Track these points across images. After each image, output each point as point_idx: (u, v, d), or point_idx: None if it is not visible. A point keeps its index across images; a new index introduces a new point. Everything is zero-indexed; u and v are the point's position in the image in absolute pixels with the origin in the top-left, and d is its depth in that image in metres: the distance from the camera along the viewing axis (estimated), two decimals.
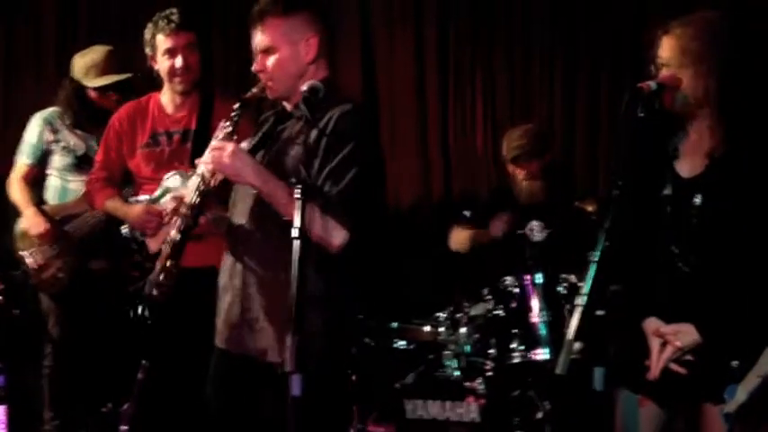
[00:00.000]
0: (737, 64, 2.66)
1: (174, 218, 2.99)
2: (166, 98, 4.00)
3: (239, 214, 2.95)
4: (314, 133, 2.77)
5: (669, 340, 2.67)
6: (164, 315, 3.82)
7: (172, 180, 3.87)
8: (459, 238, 4.67)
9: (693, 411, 2.74)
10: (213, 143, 2.93)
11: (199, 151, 3.87)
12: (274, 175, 2.76)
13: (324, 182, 2.76)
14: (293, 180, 2.60)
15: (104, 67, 4.39)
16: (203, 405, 3.04)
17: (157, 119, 3.98)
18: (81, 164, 4.42)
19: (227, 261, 2.99)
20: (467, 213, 4.70)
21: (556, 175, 4.67)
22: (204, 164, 2.88)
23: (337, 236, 2.76)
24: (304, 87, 2.74)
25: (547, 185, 4.57)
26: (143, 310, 3.07)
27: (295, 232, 2.49)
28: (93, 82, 4.39)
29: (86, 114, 4.44)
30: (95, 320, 4.41)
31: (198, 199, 2.95)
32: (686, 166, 2.76)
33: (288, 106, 2.99)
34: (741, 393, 1.97)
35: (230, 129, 3.00)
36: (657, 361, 2.68)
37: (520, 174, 4.57)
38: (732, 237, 2.65)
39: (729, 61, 2.65)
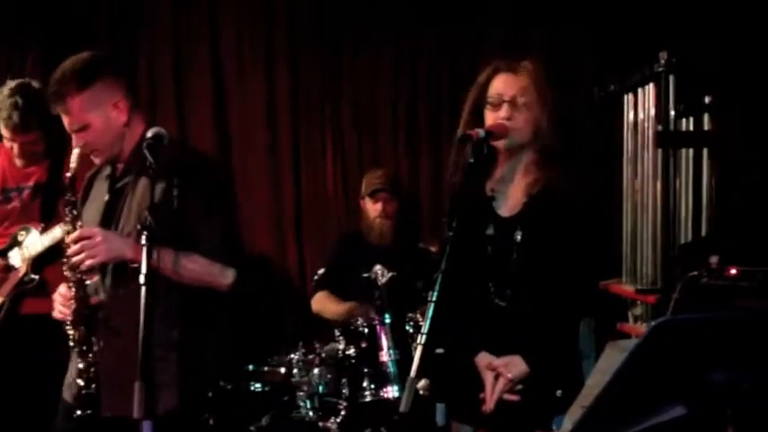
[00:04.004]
0: (554, 108, 2.82)
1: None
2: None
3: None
4: (162, 183, 2.76)
5: (501, 372, 2.76)
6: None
7: (21, 235, 3.85)
8: (322, 308, 4.72)
9: None
10: (72, 236, 2.81)
11: (48, 206, 3.85)
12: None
13: (198, 232, 2.81)
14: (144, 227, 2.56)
15: None
16: None
17: (8, 173, 3.93)
18: None
19: None
20: (320, 272, 4.79)
21: (405, 218, 4.83)
22: (78, 262, 2.77)
23: (228, 276, 2.88)
24: (149, 134, 2.71)
25: (396, 227, 4.71)
26: None
27: (142, 278, 2.47)
28: None
29: None
30: None
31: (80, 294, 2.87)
32: (505, 206, 2.88)
33: (119, 167, 2.98)
34: (567, 423, 2.10)
35: (74, 214, 2.89)
36: (492, 393, 2.77)
37: (375, 210, 4.68)
38: (548, 270, 2.78)
39: (550, 106, 2.81)
